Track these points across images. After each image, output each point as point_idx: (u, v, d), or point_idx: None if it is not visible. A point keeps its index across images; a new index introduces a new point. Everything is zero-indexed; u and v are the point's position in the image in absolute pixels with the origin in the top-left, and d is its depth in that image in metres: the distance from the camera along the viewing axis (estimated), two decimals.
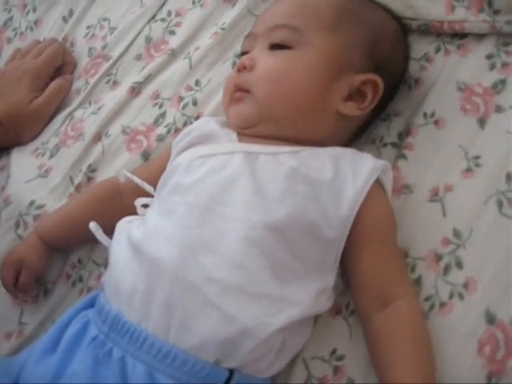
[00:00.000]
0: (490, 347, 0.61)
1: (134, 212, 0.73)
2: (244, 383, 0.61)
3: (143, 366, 0.59)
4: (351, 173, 0.66)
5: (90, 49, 1.04)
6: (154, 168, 0.79)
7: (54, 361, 0.63)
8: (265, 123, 0.70)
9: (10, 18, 1.15)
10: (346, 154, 0.69)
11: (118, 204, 0.79)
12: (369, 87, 0.72)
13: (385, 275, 0.65)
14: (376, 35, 0.74)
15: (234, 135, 0.72)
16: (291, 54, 0.71)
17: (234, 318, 0.59)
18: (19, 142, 0.97)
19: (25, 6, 1.15)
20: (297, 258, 0.63)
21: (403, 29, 0.79)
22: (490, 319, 0.63)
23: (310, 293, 0.63)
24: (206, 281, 0.60)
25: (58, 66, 1.02)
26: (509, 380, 0.60)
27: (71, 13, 1.10)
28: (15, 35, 1.13)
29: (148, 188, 0.75)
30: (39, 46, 1.03)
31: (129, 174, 0.76)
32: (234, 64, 0.90)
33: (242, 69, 0.72)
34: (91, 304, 0.69)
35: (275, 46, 0.72)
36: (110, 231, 0.73)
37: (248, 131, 0.71)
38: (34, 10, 1.13)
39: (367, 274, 0.65)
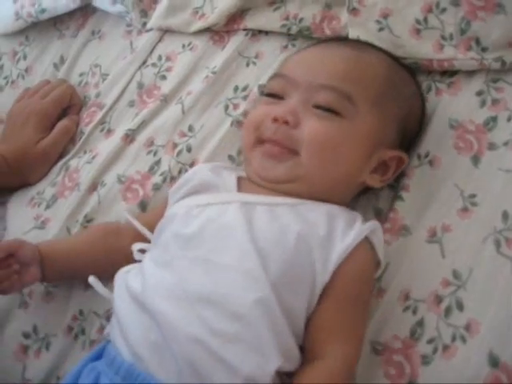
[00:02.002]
0: None
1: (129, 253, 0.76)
2: None
3: None
4: (341, 235, 0.67)
5: (85, 97, 1.05)
6: (151, 217, 0.81)
7: None
8: (294, 185, 0.71)
9: (1, 66, 1.17)
10: (341, 214, 0.70)
11: (116, 242, 0.80)
12: (394, 162, 0.75)
13: (326, 329, 0.66)
14: (408, 112, 0.77)
15: (233, 182, 0.74)
16: (341, 124, 0.71)
17: (237, 368, 0.60)
18: (26, 183, 0.98)
19: (15, 53, 1.17)
20: (287, 309, 0.64)
21: (423, 98, 0.82)
22: (494, 362, 0.64)
23: (294, 347, 0.64)
24: (208, 333, 0.61)
25: (64, 107, 1.03)
26: None
27: (62, 59, 1.12)
28: (6, 83, 1.14)
29: (147, 233, 0.78)
30: (47, 87, 1.04)
31: (129, 217, 0.80)
32: (226, 107, 0.92)
33: (283, 122, 0.71)
34: (98, 356, 0.70)
35: (322, 108, 0.72)
36: (108, 268, 0.76)
37: (267, 185, 0.72)
38: (25, 57, 1.15)
39: (314, 324, 0.66)
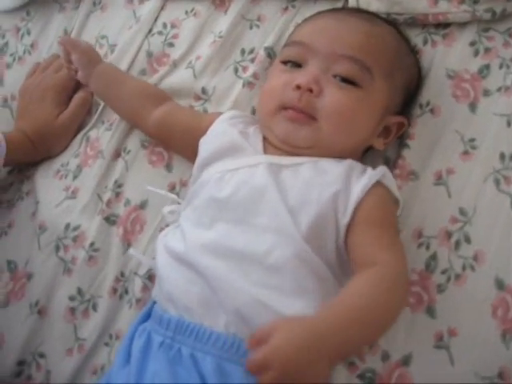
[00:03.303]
0: (502, 309, 0.74)
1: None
2: None
3: (213, 358, 0.69)
4: (356, 181, 0.75)
5: None
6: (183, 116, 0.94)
7: (132, 368, 0.73)
8: (313, 149, 0.78)
9: (6, 44, 1.19)
10: (355, 166, 0.78)
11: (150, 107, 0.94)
12: (395, 126, 0.83)
13: (369, 246, 0.72)
14: (409, 80, 0.85)
15: (258, 145, 0.81)
16: (361, 94, 0.77)
17: (281, 313, 0.69)
18: (48, 156, 1.04)
19: (18, 29, 1.20)
20: (322, 256, 0.72)
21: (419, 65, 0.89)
22: (500, 285, 0.75)
23: (335, 284, 0.73)
24: (252, 285, 0.70)
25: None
26: None
27: (66, 32, 1.15)
28: (13, 60, 1.18)
29: (173, 197, 0.89)
30: (59, 60, 1.07)
31: (154, 189, 0.90)
32: (235, 70, 0.98)
33: (307, 90, 0.76)
34: (145, 319, 0.79)
35: (342, 78, 0.77)
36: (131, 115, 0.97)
37: (288, 147, 0.79)
38: (29, 32, 1.19)
39: (354, 247, 0.73)
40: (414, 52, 0.89)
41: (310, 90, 0.76)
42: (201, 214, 0.78)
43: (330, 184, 0.75)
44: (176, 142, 0.92)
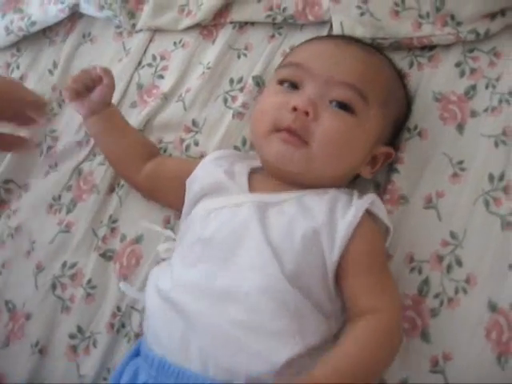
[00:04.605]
0: (496, 332, 0.77)
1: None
2: None
3: None
4: (341, 215, 0.76)
5: None
6: (171, 165, 0.96)
7: None
8: (302, 176, 0.80)
9: None
10: (340, 196, 0.80)
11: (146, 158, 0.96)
12: (382, 156, 0.85)
13: (361, 293, 0.75)
14: (400, 112, 0.88)
15: (244, 183, 0.83)
16: (355, 121, 0.79)
17: (258, 354, 0.71)
18: None
19: (8, 65, 1.22)
20: (305, 295, 0.74)
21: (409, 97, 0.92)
22: (493, 308, 0.78)
23: (320, 321, 0.75)
24: (231, 325, 0.72)
25: None
26: None
27: (55, 65, 1.18)
28: None
29: (168, 234, 0.91)
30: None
31: (149, 225, 0.93)
32: (225, 100, 1.01)
33: (302, 113, 0.77)
34: (137, 353, 0.82)
35: (339, 104, 0.79)
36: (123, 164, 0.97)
37: (277, 172, 0.81)
38: (18, 67, 1.21)
39: (350, 297, 0.76)
40: (404, 84, 0.91)
41: (306, 113, 0.78)
42: (187, 253, 0.80)
43: (313, 220, 0.76)
44: (166, 191, 0.93)
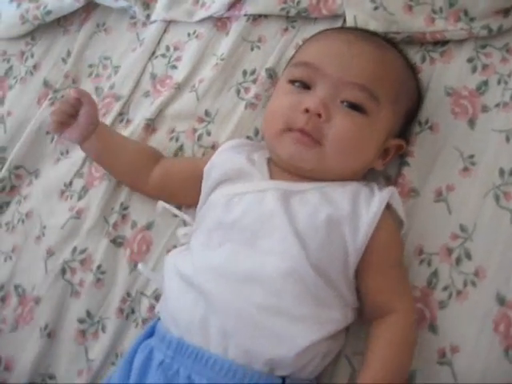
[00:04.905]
0: (504, 325, 0.77)
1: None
2: None
3: (208, 381, 0.73)
4: (365, 206, 0.78)
5: (97, 88, 1.14)
6: (179, 166, 0.97)
7: None
8: (315, 173, 0.81)
9: (10, 68, 1.23)
10: (361, 188, 0.81)
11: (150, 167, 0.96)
12: (394, 148, 0.86)
13: (382, 293, 0.78)
14: (411, 103, 0.88)
15: (265, 170, 0.84)
16: (367, 121, 0.80)
17: (280, 337, 0.73)
18: None
19: (22, 53, 1.24)
20: (328, 283, 0.76)
21: (420, 90, 0.92)
22: (501, 301, 0.78)
23: (340, 309, 0.77)
24: (254, 308, 0.73)
25: None
26: None
27: (69, 53, 1.20)
28: (16, 82, 1.22)
29: (186, 217, 0.91)
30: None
31: (166, 206, 0.92)
32: (237, 92, 1.02)
33: (314, 114, 0.78)
34: (150, 334, 0.83)
35: (350, 104, 0.80)
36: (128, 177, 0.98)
37: (290, 167, 0.82)
38: (32, 55, 1.22)
39: (370, 290, 0.79)
40: (415, 74, 0.91)
41: (319, 115, 0.79)
42: (208, 237, 0.81)
43: (337, 210, 0.77)
44: (178, 193, 0.95)
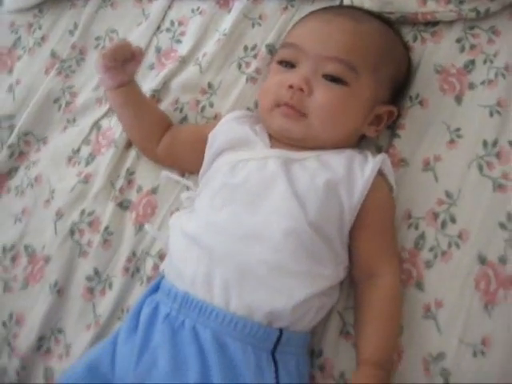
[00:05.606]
0: (484, 283, 0.84)
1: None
2: (291, 338, 0.81)
3: (212, 331, 0.79)
4: (359, 170, 0.85)
5: None
6: (185, 132, 1.02)
7: (137, 338, 0.82)
8: (306, 141, 0.88)
9: (18, 38, 1.27)
10: (355, 155, 0.87)
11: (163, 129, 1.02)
12: (386, 114, 0.92)
13: (374, 255, 0.85)
14: (398, 70, 0.93)
15: (266, 140, 0.90)
16: (347, 92, 0.86)
17: (279, 291, 0.79)
18: None
19: (30, 25, 1.27)
20: (324, 241, 0.82)
21: (409, 54, 0.98)
22: (482, 261, 0.85)
23: (333, 267, 0.83)
24: (255, 263, 0.79)
25: None
26: (500, 307, 0.83)
27: (76, 26, 1.23)
28: (24, 52, 1.25)
29: (189, 183, 0.97)
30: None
31: (170, 174, 0.98)
32: (239, 66, 1.07)
33: (298, 90, 0.85)
34: (154, 290, 0.88)
35: (330, 77, 0.86)
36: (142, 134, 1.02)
37: (284, 139, 0.89)
38: (40, 27, 1.26)
39: (362, 251, 0.86)
40: (403, 44, 0.97)
41: (302, 90, 0.86)
42: (213, 198, 0.86)
43: (334, 173, 0.84)
44: (183, 158, 1.00)
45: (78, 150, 1.10)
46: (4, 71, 1.24)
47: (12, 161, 1.14)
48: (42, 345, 0.98)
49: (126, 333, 0.85)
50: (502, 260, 0.84)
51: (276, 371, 0.78)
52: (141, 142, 1.03)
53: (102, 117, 1.12)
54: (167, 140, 1.00)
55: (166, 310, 0.82)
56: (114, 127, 1.08)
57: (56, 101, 1.17)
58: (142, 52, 1.00)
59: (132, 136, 1.04)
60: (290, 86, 0.86)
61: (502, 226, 0.86)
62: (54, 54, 1.22)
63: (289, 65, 0.90)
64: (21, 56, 1.25)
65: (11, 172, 1.13)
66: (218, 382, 0.76)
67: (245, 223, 0.82)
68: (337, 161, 0.86)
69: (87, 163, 1.08)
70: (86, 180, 1.06)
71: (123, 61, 0.98)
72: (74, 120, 1.14)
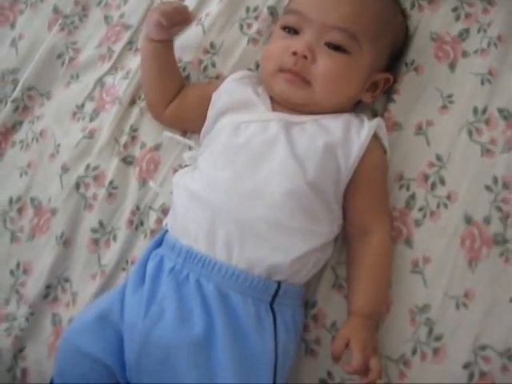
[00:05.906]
0: (469, 241, 0.90)
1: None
2: (288, 290, 0.86)
3: (215, 284, 0.83)
4: (356, 133, 0.89)
5: (106, 17, 1.19)
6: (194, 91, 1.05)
7: (145, 290, 0.87)
8: (307, 106, 0.91)
9: None
10: (352, 119, 0.91)
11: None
12: (382, 81, 0.95)
13: (367, 212, 0.90)
14: (396, 39, 0.97)
15: (268, 103, 0.94)
16: (349, 60, 0.90)
17: (278, 246, 0.84)
18: None
19: None
20: (321, 200, 0.87)
21: (407, 23, 1.01)
22: (468, 220, 0.91)
23: (329, 224, 0.88)
24: (256, 220, 0.84)
25: None
26: (483, 263, 0.89)
27: None
28: (26, 7, 1.26)
29: (189, 142, 1.01)
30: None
31: (171, 135, 1.01)
32: (240, 27, 1.09)
33: (302, 57, 0.88)
34: (158, 244, 0.93)
35: (333, 46, 0.89)
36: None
37: (285, 103, 0.92)
38: None
39: (356, 209, 0.91)
40: (401, 12, 1.00)
41: (305, 57, 0.89)
42: (216, 159, 0.91)
43: (332, 136, 0.88)
44: (190, 118, 1.03)
45: (83, 106, 1.12)
46: (6, 25, 1.25)
47: (16, 115, 1.15)
48: (49, 293, 1.02)
49: (134, 285, 0.89)
50: (487, 220, 0.90)
51: (274, 321, 0.84)
52: (154, 99, 1.05)
53: (106, 74, 1.14)
54: (175, 104, 1.03)
55: (171, 263, 0.87)
56: (118, 85, 1.10)
57: (59, 56, 1.18)
58: (193, 19, 1.03)
59: (148, 91, 1.06)
60: (294, 53, 0.89)
61: (488, 188, 0.92)
62: (56, 10, 1.23)
63: (292, 31, 0.93)
64: (23, 10, 1.26)
65: (16, 126, 1.15)
66: (221, 331, 0.81)
67: (246, 182, 0.86)
68: (335, 124, 0.90)
69: (91, 119, 1.10)
70: (91, 135, 1.08)
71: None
72: (78, 76, 1.16)
